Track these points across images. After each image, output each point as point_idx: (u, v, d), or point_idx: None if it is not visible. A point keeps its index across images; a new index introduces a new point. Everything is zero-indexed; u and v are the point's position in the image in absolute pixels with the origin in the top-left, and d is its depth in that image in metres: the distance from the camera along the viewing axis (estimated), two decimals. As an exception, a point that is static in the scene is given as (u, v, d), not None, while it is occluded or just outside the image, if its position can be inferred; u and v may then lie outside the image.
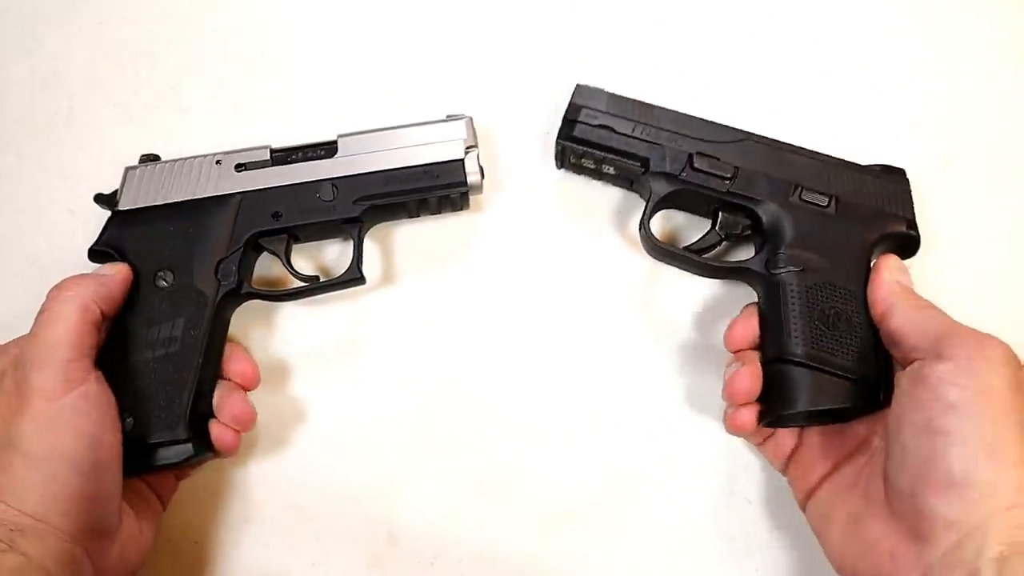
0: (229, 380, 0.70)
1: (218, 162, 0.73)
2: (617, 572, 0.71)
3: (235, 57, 0.86)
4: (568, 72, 0.84)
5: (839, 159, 0.73)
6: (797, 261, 0.68)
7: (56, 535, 0.55)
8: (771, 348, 0.67)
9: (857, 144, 0.82)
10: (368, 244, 0.78)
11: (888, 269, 0.66)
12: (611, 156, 0.74)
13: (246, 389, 0.70)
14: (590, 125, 0.74)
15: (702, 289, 0.77)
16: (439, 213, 0.78)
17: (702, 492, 0.73)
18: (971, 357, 0.54)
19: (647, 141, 0.73)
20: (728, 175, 0.72)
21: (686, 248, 0.74)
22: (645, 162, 0.73)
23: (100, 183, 0.81)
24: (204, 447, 0.67)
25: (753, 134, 0.74)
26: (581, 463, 0.74)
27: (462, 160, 0.73)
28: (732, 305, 0.74)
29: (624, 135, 0.74)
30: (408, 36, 0.87)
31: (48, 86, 0.85)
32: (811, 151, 0.73)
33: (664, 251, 0.74)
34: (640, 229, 0.73)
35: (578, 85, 0.76)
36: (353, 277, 0.73)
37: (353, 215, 0.73)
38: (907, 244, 0.71)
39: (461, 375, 0.76)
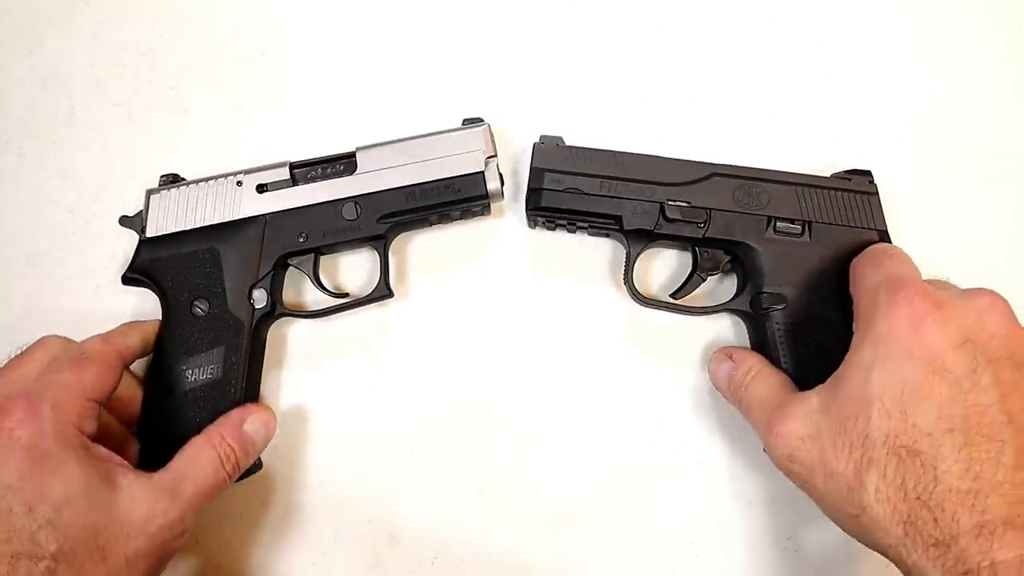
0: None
1: (239, 183, 0.73)
2: (617, 572, 0.71)
3: (235, 57, 0.86)
4: (568, 73, 0.84)
5: (806, 177, 0.73)
6: (779, 299, 0.69)
7: None
8: None
9: (857, 144, 0.82)
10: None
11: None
12: (582, 219, 0.73)
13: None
14: (556, 191, 0.72)
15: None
16: (460, 221, 0.78)
17: (702, 493, 0.73)
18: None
19: (616, 197, 0.72)
20: (701, 221, 0.71)
21: (672, 295, 0.75)
22: (618, 219, 0.72)
23: (100, 183, 0.82)
24: (256, 464, 0.69)
25: (719, 166, 0.73)
26: (582, 465, 0.74)
27: (482, 172, 0.73)
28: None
29: (592, 195, 0.72)
30: (409, 36, 0.87)
31: (48, 86, 0.85)
32: (778, 173, 0.73)
33: (651, 302, 0.74)
34: (624, 283, 0.74)
35: (536, 144, 0.74)
36: (382, 294, 0.74)
37: (378, 233, 0.73)
38: None
39: (464, 379, 0.76)
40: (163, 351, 0.69)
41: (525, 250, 0.79)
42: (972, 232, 0.79)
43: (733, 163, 0.73)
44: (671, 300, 0.74)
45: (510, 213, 0.80)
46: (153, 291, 0.72)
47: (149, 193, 0.74)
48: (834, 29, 0.86)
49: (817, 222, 0.71)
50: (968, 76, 0.85)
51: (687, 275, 0.74)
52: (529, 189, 0.74)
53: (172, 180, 0.75)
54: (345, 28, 0.87)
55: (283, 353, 0.77)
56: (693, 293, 0.74)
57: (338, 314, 0.75)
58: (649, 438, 0.74)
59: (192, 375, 0.68)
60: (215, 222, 0.72)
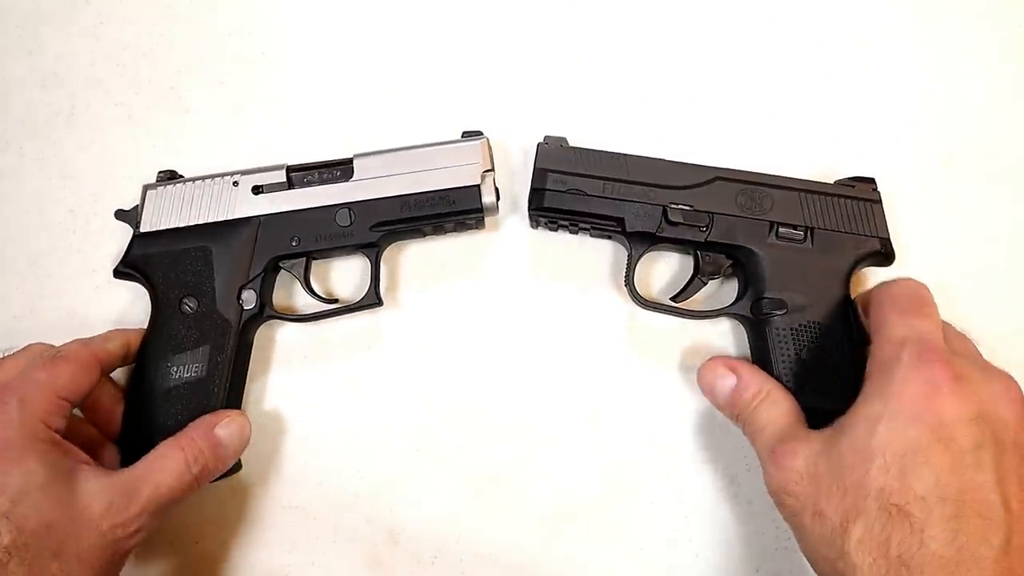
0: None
1: (235, 183, 0.73)
2: (617, 572, 0.71)
3: (235, 57, 0.86)
4: (571, 76, 0.84)
5: (810, 183, 0.73)
6: (780, 304, 0.69)
7: None
8: None
9: (857, 145, 0.82)
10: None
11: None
12: (585, 220, 0.73)
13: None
14: (559, 191, 0.72)
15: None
16: (454, 233, 0.78)
17: (702, 493, 0.73)
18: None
19: (619, 199, 0.72)
20: (703, 224, 0.71)
21: (672, 298, 0.75)
22: (620, 221, 0.72)
23: (100, 183, 0.82)
24: (235, 466, 0.69)
25: (723, 170, 0.73)
26: (582, 465, 0.74)
27: (478, 186, 0.72)
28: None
29: (595, 196, 0.72)
30: (409, 36, 0.87)
31: (48, 86, 0.85)
32: (781, 178, 0.73)
33: (652, 305, 0.74)
34: (626, 286, 0.74)
35: (539, 144, 0.74)
36: (371, 302, 0.74)
37: (370, 241, 0.73)
38: (883, 259, 0.72)
39: (464, 379, 0.76)
40: (149, 346, 0.69)
41: (526, 251, 0.79)
42: (972, 232, 0.79)
43: (736, 166, 0.73)
44: (672, 303, 0.74)
45: (511, 215, 0.80)
46: (144, 286, 0.72)
47: (145, 188, 0.74)
48: (834, 29, 0.86)
49: (820, 228, 0.71)
50: (968, 76, 0.85)
51: (688, 278, 0.74)
52: (532, 189, 0.74)
53: (169, 177, 0.75)
54: (345, 28, 0.87)
55: (282, 355, 0.77)
56: (694, 297, 0.74)
57: (328, 319, 0.75)
58: (649, 439, 0.74)
59: (177, 372, 0.68)
60: (209, 221, 0.72)
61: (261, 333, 0.76)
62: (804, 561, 0.71)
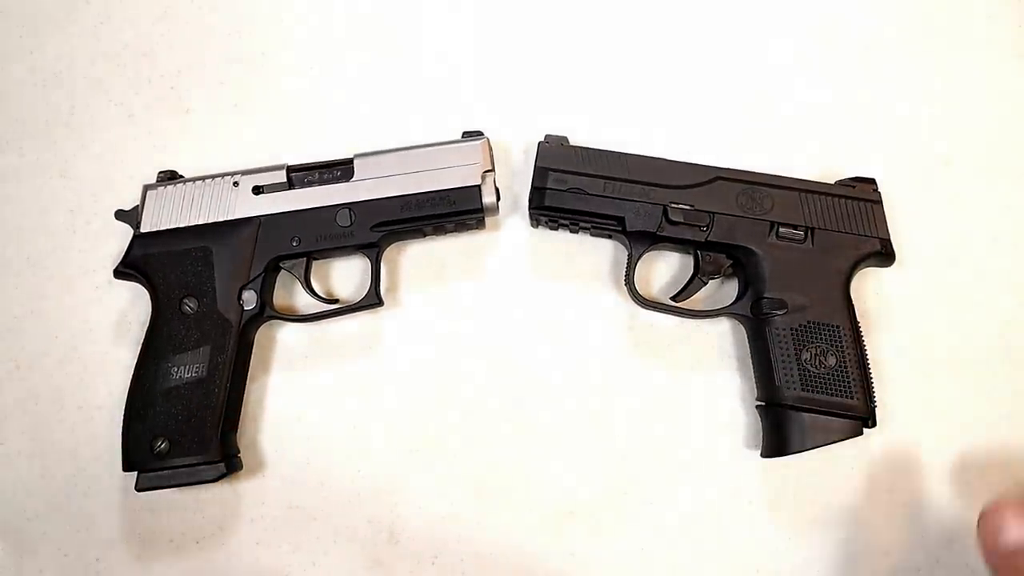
0: None
1: (236, 184, 0.73)
2: (618, 571, 0.71)
3: (235, 57, 0.86)
4: (573, 76, 0.84)
5: (810, 183, 0.73)
6: (780, 304, 0.69)
7: None
8: (764, 390, 0.70)
9: (857, 145, 0.82)
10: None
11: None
12: (585, 219, 0.73)
13: None
14: (560, 190, 0.72)
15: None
16: (454, 233, 0.78)
17: (702, 493, 0.73)
18: None
19: (619, 199, 0.72)
20: (704, 224, 0.71)
21: (673, 298, 0.75)
22: (620, 221, 0.72)
23: (100, 183, 0.82)
24: (235, 465, 0.70)
25: (724, 170, 0.73)
26: (582, 465, 0.74)
27: (479, 186, 0.72)
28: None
29: (596, 195, 0.72)
30: (409, 36, 0.87)
31: (49, 86, 0.85)
32: (782, 179, 0.73)
33: (652, 304, 0.74)
34: (626, 285, 0.74)
35: (540, 143, 0.74)
36: (372, 302, 0.74)
37: (371, 241, 0.73)
38: (883, 259, 0.72)
39: (464, 379, 0.76)
40: (150, 346, 0.69)
41: (526, 251, 0.79)
42: (972, 232, 0.79)
43: (736, 166, 0.73)
44: (672, 303, 0.74)
45: (512, 215, 0.80)
46: (144, 286, 0.72)
47: (146, 189, 0.74)
48: (834, 30, 0.87)
49: (820, 228, 0.71)
50: (968, 76, 0.85)
51: (688, 278, 0.74)
52: (533, 188, 0.74)
53: (169, 177, 0.75)
54: (345, 28, 0.87)
55: (283, 355, 0.77)
56: (694, 296, 0.74)
57: (328, 319, 0.75)
58: (649, 438, 0.74)
59: (178, 372, 0.68)
60: (209, 221, 0.72)
61: (261, 333, 0.76)
62: (804, 562, 0.71)
